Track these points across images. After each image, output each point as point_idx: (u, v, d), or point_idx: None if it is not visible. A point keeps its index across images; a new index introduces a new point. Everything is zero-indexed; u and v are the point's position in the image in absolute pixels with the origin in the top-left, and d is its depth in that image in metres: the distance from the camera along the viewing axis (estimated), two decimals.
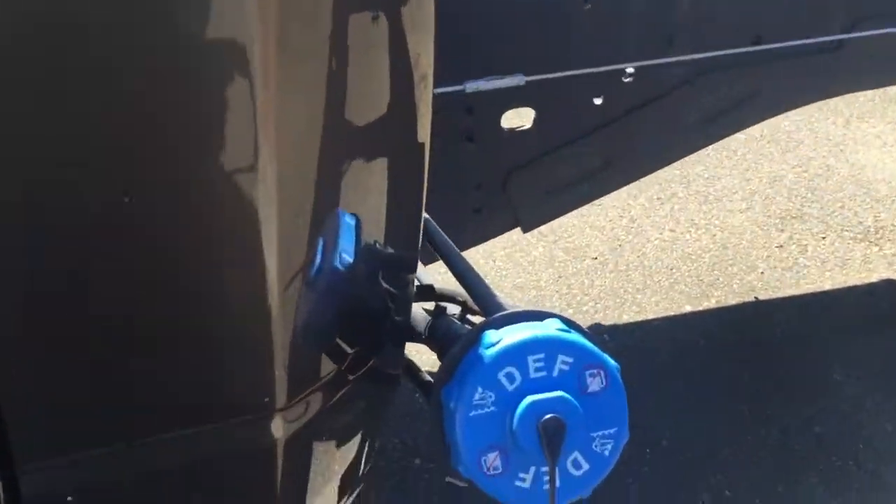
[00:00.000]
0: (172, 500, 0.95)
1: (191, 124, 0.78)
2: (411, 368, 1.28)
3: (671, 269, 3.19)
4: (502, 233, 2.16)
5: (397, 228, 1.02)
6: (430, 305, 1.43)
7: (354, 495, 1.21)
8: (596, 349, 0.96)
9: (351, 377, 1.00)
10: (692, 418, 2.62)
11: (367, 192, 0.96)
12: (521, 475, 0.94)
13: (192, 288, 0.81)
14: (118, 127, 0.78)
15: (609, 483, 2.57)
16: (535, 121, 2.02)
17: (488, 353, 0.93)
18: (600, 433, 0.96)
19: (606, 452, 0.96)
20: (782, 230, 3.38)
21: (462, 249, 2.29)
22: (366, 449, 1.19)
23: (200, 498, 0.97)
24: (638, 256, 3.26)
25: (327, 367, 0.95)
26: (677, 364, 2.81)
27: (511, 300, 1.43)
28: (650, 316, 3.01)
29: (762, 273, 3.20)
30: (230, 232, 0.80)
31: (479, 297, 1.10)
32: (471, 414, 0.93)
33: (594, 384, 0.95)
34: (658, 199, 3.57)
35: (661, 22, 1.99)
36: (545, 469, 0.92)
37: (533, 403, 0.92)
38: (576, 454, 0.95)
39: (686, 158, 3.74)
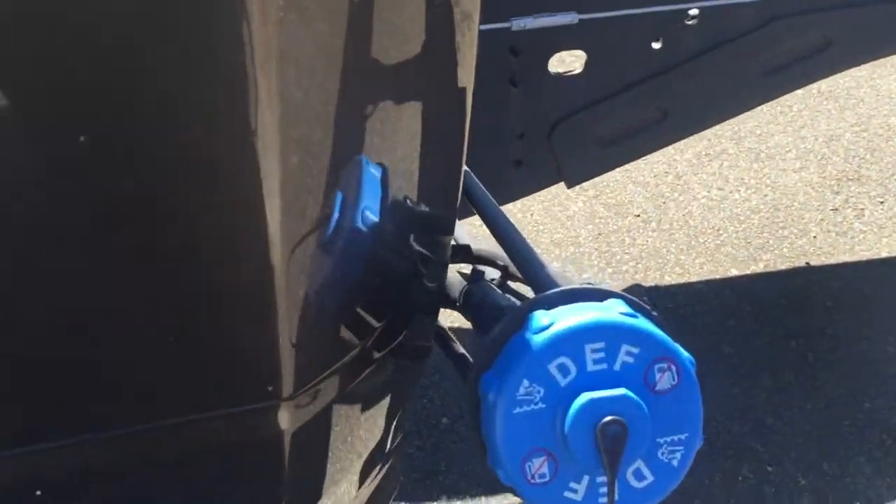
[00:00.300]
0: (175, 490, 0.81)
1: (177, 52, 0.60)
2: (443, 337, 1.11)
3: (718, 230, 2.99)
4: (544, 188, 1.97)
5: (433, 182, 0.84)
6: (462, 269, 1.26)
7: (382, 472, 1.06)
8: (667, 338, 0.78)
9: (376, 355, 0.84)
10: (735, 388, 2.44)
11: (398, 139, 0.78)
12: (573, 485, 0.78)
13: (174, 255, 0.65)
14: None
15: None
16: (585, 65, 1.81)
17: (538, 338, 0.76)
18: (669, 439, 0.79)
19: (675, 462, 0.79)
20: (838, 192, 3.15)
21: (502, 204, 2.12)
22: (393, 426, 1.04)
23: (203, 488, 0.82)
24: (683, 215, 3.06)
25: (346, 346, 0.78)
26: (721, 330, 2.63)
27: (558, 264, 1.25)
28: (694, 279, 2.82)
29: (815, 237, 2.98)
30: (221, 185, 0.63)
31: (525, 267, 0.92)
32: (515, 411, 0.76)
33: (664, 381, 0.77)
34: (706, 155, 3.35)
35: None
36: (601, 480, 0.76)
37: (590, 402, 0.75)
38: (639, 463, 0.79)
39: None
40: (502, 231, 1.00)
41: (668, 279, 2.83)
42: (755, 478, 2.25)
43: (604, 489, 0.76)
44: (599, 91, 1.83)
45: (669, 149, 3.39)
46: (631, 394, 0.76)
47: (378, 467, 1.02)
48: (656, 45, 1.82)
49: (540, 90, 1.79)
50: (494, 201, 1.07)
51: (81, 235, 0.66)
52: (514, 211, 3.12)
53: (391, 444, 1.04)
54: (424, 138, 0.81)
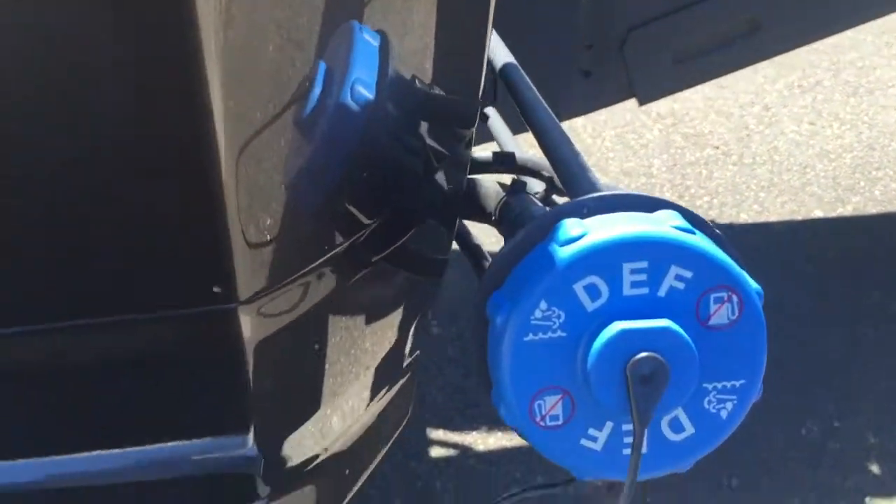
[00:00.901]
0: (128, 396, 0.69)
1: None
2: (476, 255, 0.96)
3: (804, 168, 2.73)
4: (614, 102, 1.77)
5: (449, 58, 0.67)
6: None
7: (395, 389, 0.93)
8: (731, 262, 0.61)
9: (369, 259, 0.68)
10: (807, 337, 2.24)
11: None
12: (591, 432, 0.62)
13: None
14: None
15: None
16: None
17: (564, 252, 0.59)
18: (719, 385, 0.61)
19: (724, 413, 0.62)
20: None
21: (567, 118, 1.93)
22: (409, 338, 0.89)
23: (162, 395, 0.70)
24: (768, 150, 2.80)
25: (325, 247, 0.63)
26: (799, 274, 2.41)
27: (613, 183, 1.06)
28: (773, 218, 2.59)
29: None
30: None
31: (563, 170, 0.74)
32: (527, 338, 0.60)
33: (720, 314, 0.60)
34: (799, 86, 3.07)
35: None
36: (627, 428, 0.60)
37: (622, 333, 0.58)
38: (678, 412, 0.62)
39: (838, 43, 3.23)
40: (545, 132, 0.82)
41: (745, 217, 2.61)
42: (819, 432, 2.06)
43: (629, 440, 0.60)
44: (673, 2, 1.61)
45: (759, 77, 3.13)
46: (676, 327, 0.59)
47: (387, 385, 0.88)
48: None
49: None
50: (544, 102, 0.89)
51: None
52: (584, 136, 2.92)
53: (409, 356, 0.89)
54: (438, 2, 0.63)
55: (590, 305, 0.60)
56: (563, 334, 0.61)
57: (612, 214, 0.63)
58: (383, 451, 0.99)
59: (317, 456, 0.87)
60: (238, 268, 0.56)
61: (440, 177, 0.72)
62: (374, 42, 0.59)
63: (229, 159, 0.52)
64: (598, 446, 0.63)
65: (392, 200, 0.68)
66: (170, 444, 0.74)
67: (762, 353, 0.63)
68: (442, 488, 1.95)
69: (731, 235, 2.50)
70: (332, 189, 0.62)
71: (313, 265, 0.63)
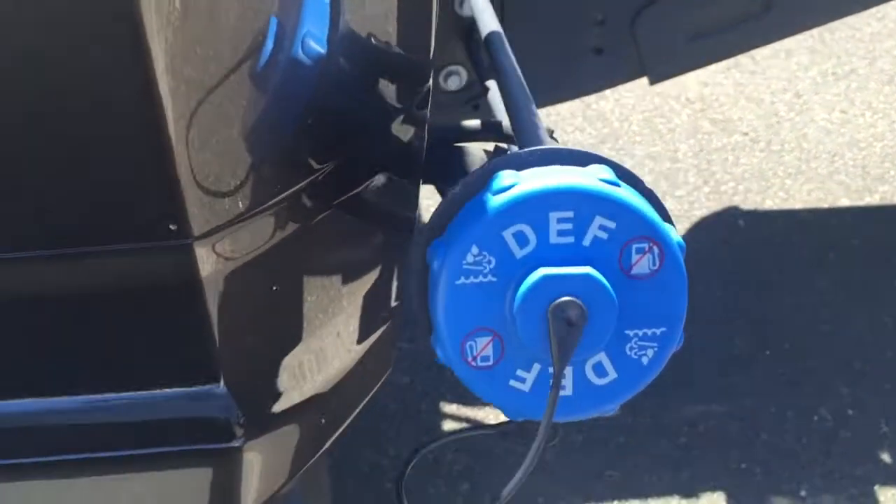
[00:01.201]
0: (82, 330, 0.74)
1: None
2: None
3: (833, 156, 2.71)
4: (624, 81, 1.78)
5: (400, 17, 0.71)
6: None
7: (374, 336, 0.97)
8: (654, 215, 0.64)
9: (332, 201, 0.73)
10: (827, 325, 2.23)
11: None
12: (520, 373, 0.66)
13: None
14: None
15: (710, 380, 2.24)
16: None
17: (495, 200, 0.63)
18: (640, 332, 0.65)
19: (645, 360, 0.65)
20: None
21: (577, 95, 1.95)
22: (387, 287, 0.93)
23: (130, 331, 0.75)
24: (797, 137, 2.78)
25: (280, 186, 0.68)
26: (821, 262, 2.39)
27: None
28: (798, 205, 2.58)
29: None
30: None
31: (517, 128, 0.78)
32: (459, 281, 0.64)
33: (642, 264, 0.63)
34: (833, 74, 3.03)
35: None
36: (553, 371, 0.63)
37: (546, 278, 0.62)
38: (601, 357, 0.65)
39: (876, 31, 3.17)
40: (509, 91, 0.86)
41: (770, 203, 2.59)
42: (833, 419, 2.06)
43: (559, 383, 0.64)
44: None
45: (791, 64, 3.10)
46: (597, 273, 0.63)
47: (365, 332, 0.93)
48: None
49: None
50: (514, 61, 0.93)
51: None
52: (612, 119, 2.93)
53: (381, 310, 0.94)
54: None
55: (518, 252, 0.64)
56: (494, 279, 0.65)
57: (545, 168, 0.67)
58: (364, 400, 1.04)
59: (292, 399, 0.91)
60: (189, 203, 0.61)
61: (397, 129, 0.76)
62: None
63: (178, 96, 0.56)
64: (525, 387, 0.67)
65: (344, 148, 0.72)
66: (139, 387, 0.80)
67: (683, 302, 0.66)
68: (452, 460, 2.00)
69: (754, 221, 2.49)
70: (284, 132, 0.67)
71: (268, 204, 0.67)
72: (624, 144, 2.80)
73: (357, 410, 1.04)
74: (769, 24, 1.71)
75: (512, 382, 0.67)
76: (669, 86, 2.83)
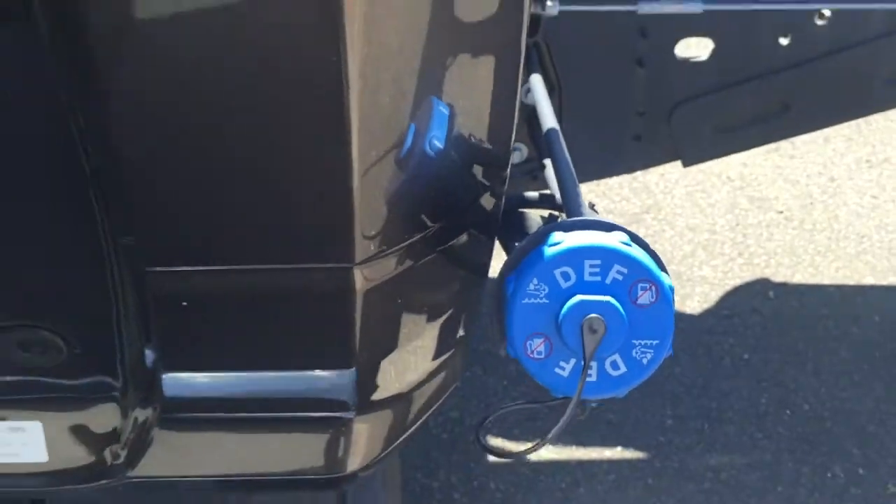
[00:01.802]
0: (258, 321, 1.21)
1: None
2: None
3: (861, 237, 3.14)
4: (660, 164, 2.25)
5: (492, 125, 1.18)
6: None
7: (449, 354, 1.42)
8: (652, 266, 1.09)
9: (437, 249, 1.19)
10: (845, 392, 2.64)
11: (462, 85, 1.12)
12: (562, 364, 1.10)
13: (281, 140, 1.02)
14: None
15: (735, 434, 2.64)
16: (712, 53, 2.08)
17: (550, 250, 1.09)
18: (642, 342, 1.09)
19: (645, 361, 1.10)
20: None
21: (619, 174, 2.42)
22: (460, 321, 1.39)
23: (278, 331, 1.21)
24: (828, 218, 3.22)
25: (410, 232, 1.15)
26: (845, 335, 2.81)
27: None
28: (826, 281, 3.00)
29: None
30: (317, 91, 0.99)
31: (566, 201, 1.25)
32: (523, 301, 1.09)
33: (644, 297, 1.08)
34: (867, 161, 3.48)
35: None
36: (583, 364, 1.08)
37: (580, 302, 1.07)
38: (616, 356, 1.10)
39: None
40: (560, 173, 1.33)
41: (799, 278, 3.02)
42: (844, 477, 2.46)
43: (587, 373, 1.08)
44: (723, 79, 2.09)
45: (828, 150, 3.55)
46: (614, 301, 1.07)
47: (444, 349, 1.38)
48: (784, 41, 2.06)
49: (665, 72, 2.08)
50: (566, 150, 1.40)
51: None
52: (656, 192, 3.38)
53: (455, 336, 1.39)
54: (484, 86, 1.14)
55: (563, 284, 1.09)
56: (546, 301, 1.09)
57: (584, 231, 1.11)
58: (437, 404, 1.49)
59: (391, 390, 1.36)
60: (357, 239, 1.06)
61: (484, 199, 1.23)
62: (445, 111, 1.10)
63: (361, 155, 1.02)
64: (565, 374, 1.11)
65: (449, 211, 1.18)
66: (298, 367, 1.25)
67: (671, 324, 1.10)
68: (495, 488, 2.43)
69: (783, 294, 2.95)
70: (415, 198, 1.13)
71: (398, 245, 1.13)
72: (666, 215, 3.25)
73: (433, 408, 1.49)
74: (788, 122, 2.17)
75: (556, 370, 1.11)
76: (712, 164, 3.29)
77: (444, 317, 1.39)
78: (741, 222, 3.21)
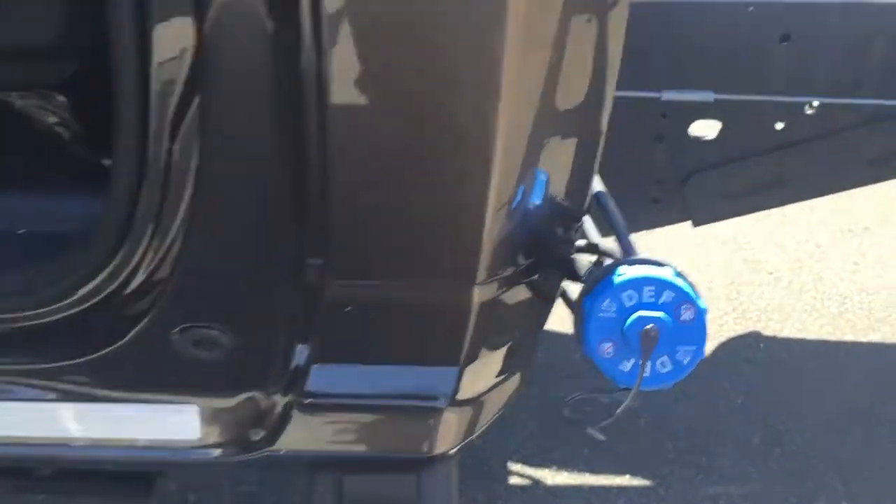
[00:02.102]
0: (388, 325, 1.68)
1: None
2: (565, 294, 1.94)
3: (844, 298, 3.65)
4: (674, 223, 2.77)
5: (573, 188, 1.68)
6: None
7: (517, 367, 1.89)
8: (692, 292, 1.57)
9: (523, 280, 1.67)
10: (830, 434, 3.10)
11: (557, 156, 1.62)
12: (625, 362, 1.58)
13: (433, 173, 1.51)
14: None
15: (730, 467, 3.08)
16: (719, 133, 2.61)
17: (618, 279, 1.57)
18: (684, 347, 1.57)
19: (685, 361, 1.59)
20: None
21: (638, 231, 2.93)
22: (529, 344, 1.87)
23: (407, 332, 1.69)
24: (814, 280, 3.74)
25: (511, 264, 1.63)
26: (828, 384, 3.29)
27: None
28: (811, 336, 3.50)
29: None
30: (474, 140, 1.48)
31: (623, 243, 1.75)
32: (599, 315, 1.57)
33: (686, 315, 1.56)
34: (850, 230, 4.01)
35: (851, 67, 2.52)
36: (640, 362, 1.55)
37: (640, 317, 1.55)
38: (664, 357, 1.58)
39: (891, 195, 4.15)
40: (617, 224, 1.83)
41: (788, 333, 3.52)
42: None
43: (643, 369, 1.56)
44: (728, 155, 2.61)
45: (813, 219, 4.09)
46: (664, 316, 1.55)
47: (512, 363, 1.86)
48: (779, 126, 2.59)
49: (680, 147, 2.60)
50: (618, 212, 1.90)
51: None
52: (658, 250, 3.85)
53: (522, 356, 1.88)
54: (572, 158, 1.65)
55: (627, 303, 1.57)
56: (615, 315, 1.57)
57: (641, 266, 1.60)
58: (501, 409, 1.95)
59: (477, 390, 1.83)
60: (480, 264, 1.54)
61: (562, 244, 1.72)
62: (544, 177, 1.60)
63: (493, 208, 1.50)
64: (627, 370, 1.59)
65: (540, 252, 1.67)
66: (414, 362, 1.73)
67: (704, 335, 1.58)
68: None
69: (773, 347, 3.48)
70: (520, 239, 1.61)
71: (500, 275, 1.61)
72: None
73: (502, 408, 1.95)
74: (784, 192, 2.69)
75: (620, 366, 1.59)
76: (710, 227, 3.79)
77: (523, 334, 1.87)
78: (735, 281, 3.72)
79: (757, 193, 2.67)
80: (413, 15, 1.39)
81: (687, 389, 3.20)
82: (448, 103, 1.44)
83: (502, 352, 1.84)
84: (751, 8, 2.37)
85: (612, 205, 1.90)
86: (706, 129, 2.65)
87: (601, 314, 1.57)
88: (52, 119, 1.96)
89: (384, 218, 1.51)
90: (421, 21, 1.40)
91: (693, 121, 2.59)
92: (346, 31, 1.37)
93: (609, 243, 1.96)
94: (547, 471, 2.99)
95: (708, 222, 2.74)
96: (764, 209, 2.76)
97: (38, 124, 1.96)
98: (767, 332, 3.49)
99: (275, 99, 1.43)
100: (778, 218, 4.00)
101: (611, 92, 1.62)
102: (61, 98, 2.00)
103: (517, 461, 3.04)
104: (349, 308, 1.59)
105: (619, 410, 1.56)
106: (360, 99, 1.39)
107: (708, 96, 2.43)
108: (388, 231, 1.52)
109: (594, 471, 2.99)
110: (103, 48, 1.48)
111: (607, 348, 1.58)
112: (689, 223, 2.76)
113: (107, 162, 1.77)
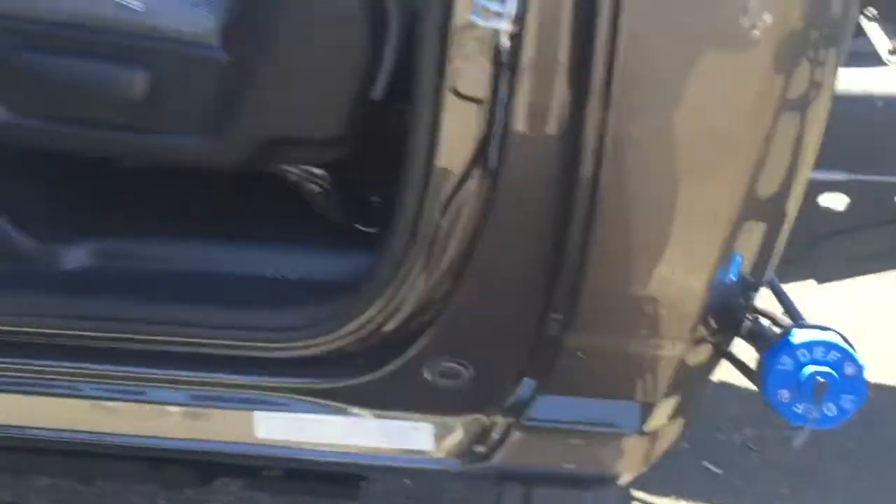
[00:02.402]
0: (605, 368, 2.20)
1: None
2: (731, 355, 2.43)
3: None
4: (801, 280, 3.26)
5: (757, 267, 2.19)
6: None
7: (685, 411, 2.39)
8: (854, 353, 2.08)
9: (711, 339, 2.18)
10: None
11: (752, 244, 2.13)
12: (798, 405, 2.08)
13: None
14: None
15: None
16: (847, 206, 3.09)
17: (795, 340, 2.08)
18: (846, 396, 2.08)
19: (847, 407, 2.09)
20: None
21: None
22: (696, 389, 2.38)
23: (620, 374, 2.21)
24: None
25: (706, 327, 2.14)
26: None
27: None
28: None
29: None
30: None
31: (789, 310, 2.25)
32: (777, 367, 2.07)
33: (848, 370, 2.07)
34: None
35: None
36: (811, 407, 2.05)
37: (814, 372, 2.05)
38: (830, 403, 2.08)
39: None
40: (781, 295, 2.33)
41: None
42: None
43: (814, 412, 2.06)
44: (854, 224, 3.10)
45: None
46: (832, 371, 2.05)
47: (689, 404, 2.36)
48: None
49: (812, 216, 3.08)
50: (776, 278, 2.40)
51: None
52: None
53: (698, 395, 2.39)
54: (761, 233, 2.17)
55: (803, 359, 2.07)
56: (791, 369, 2.07)
57: (812, 329, 2.10)
58: (672, 444, 2.45)
59: (657, 425, 2.33)
60: (693, 327, 2.05)
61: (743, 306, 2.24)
62: (739, 258, 2.10)
63: (712, 284, 2.04)
64: (800, 412, 2.09)
65: (729, 320, 2.19)
66: (611, 397, 2.24)
67: (864, 386, 2.08)
68: None
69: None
70: (721, 308, 2.13)
71: (699, 335, 2.13)
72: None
73: (672, 444, 2.45)
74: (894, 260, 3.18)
75: (794, 409, 2.08)
76: None
77: (696, 382, 2.37)
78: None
79: (878, 258, 3.15)
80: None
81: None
82: (697, 198, 1.96)
83: (680, 395, 2.34)
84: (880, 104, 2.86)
85: (774, 276, 2.40)
86: (834, 200, 3.13)
87: (779, 367, 2.07)
88: (315, 188, 2.50)
89: (627, 289, 2.02)
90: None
91: (823, 192, 3.07)
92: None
93: (774, 310, 2.47)
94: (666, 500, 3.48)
95: (831, 280, 3.24)
96: (880, 272, 3.25)
97: (304, 192, 2.51)
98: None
99: (549, 196, 1.96)
100: None
101: (803, 180, 2.11)
102: (320, 171, 2.53)
103: (636, 488, 3.52)
104: (580, 353, 2.10)
105: (795, 444, 2.05)
106: (628, 194, 1.91)
107: (841, 176, 2.92)
108: (626, 300, 2.03)
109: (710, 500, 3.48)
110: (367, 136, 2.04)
111: (784, 395, 2.07)
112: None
113: (358, 225, 2.33)
